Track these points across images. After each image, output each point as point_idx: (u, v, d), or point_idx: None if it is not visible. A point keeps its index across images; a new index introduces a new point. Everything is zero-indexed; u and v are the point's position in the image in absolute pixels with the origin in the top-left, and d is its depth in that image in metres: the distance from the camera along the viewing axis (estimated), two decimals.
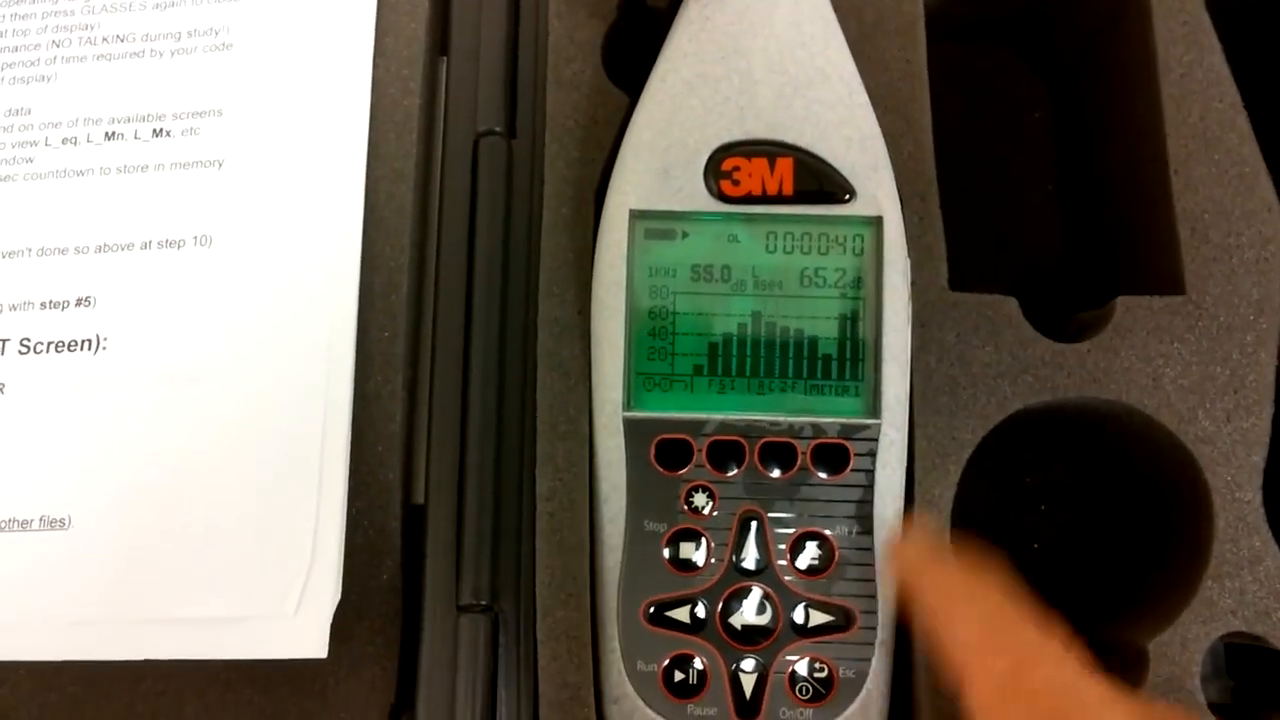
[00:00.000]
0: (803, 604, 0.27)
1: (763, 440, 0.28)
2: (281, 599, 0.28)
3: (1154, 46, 0.31)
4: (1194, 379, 0.29)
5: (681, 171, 0.28)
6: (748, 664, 0.27)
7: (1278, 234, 0.30)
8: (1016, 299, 0.30)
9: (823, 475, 0.27)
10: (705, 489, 0.28)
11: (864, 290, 0.28)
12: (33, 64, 0.33)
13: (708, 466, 0.28)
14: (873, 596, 0.27)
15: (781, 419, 0.28)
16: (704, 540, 0.27)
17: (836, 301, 0.28)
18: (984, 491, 0.33)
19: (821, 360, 0.28)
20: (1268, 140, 0.30)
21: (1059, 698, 0.19)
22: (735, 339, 0.28)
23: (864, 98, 0.29)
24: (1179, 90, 0.31)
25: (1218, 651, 0.31)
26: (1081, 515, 0.35)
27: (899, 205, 0.28)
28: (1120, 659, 0.29)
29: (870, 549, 0.27)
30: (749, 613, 0.27)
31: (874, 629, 0.27)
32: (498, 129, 0.32)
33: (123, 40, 0.33)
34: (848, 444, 0.28)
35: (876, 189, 0.28)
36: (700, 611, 0.27)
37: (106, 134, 0.32)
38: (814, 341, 0.28)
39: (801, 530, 0.27)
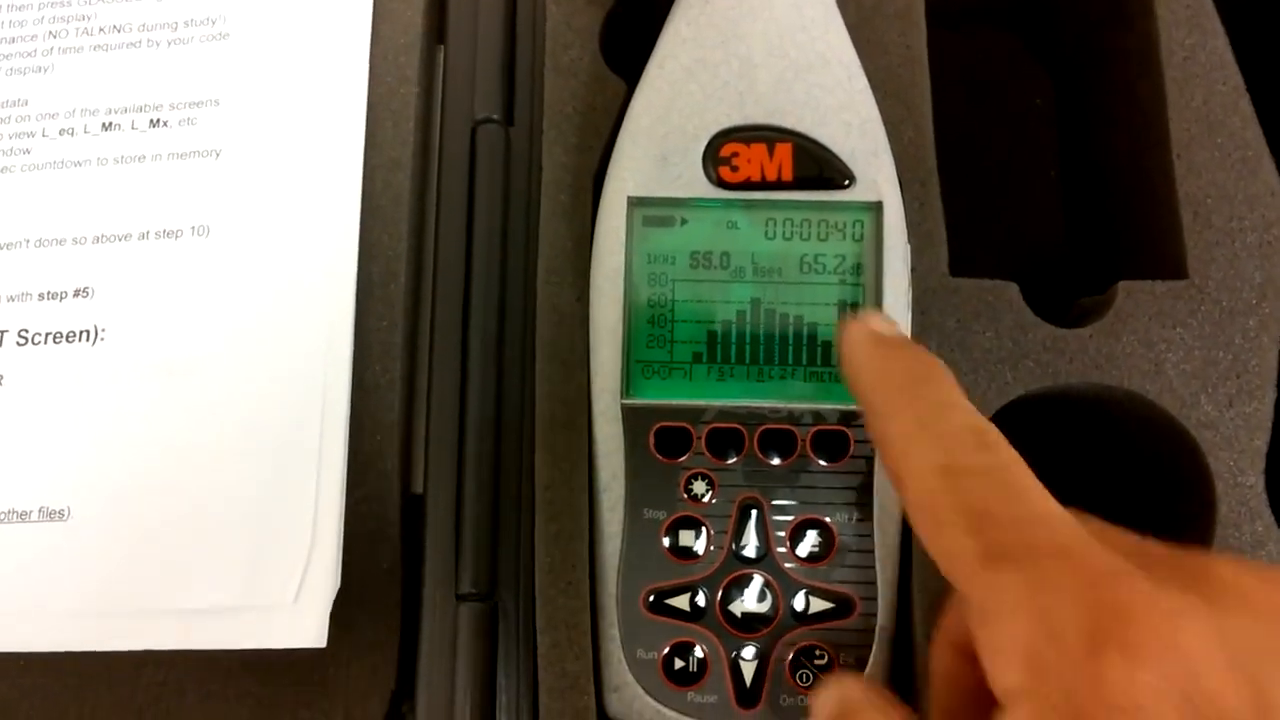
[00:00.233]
0: (803, 591, 0.27)
1: (762, 427, 0.27)
2: (281, 588, 0.28)
3: (1156, 30, 0.31)
4: (1196, 364, 0.29)
5: (680, 158, 0.28)
6: (748, 651, 0.27)
7: None
8: (1017, 284, 0.30)
9: (823, 462, 0.27)
10: (705, 476, 0.27)
11: (864, 276, 0.28)
12: (30, 55, 0.33)
13: (707, 454, 0.27)
14: (873, 583, 0.27)
15: (781, 406, 0.28)
16: (704, 528, 0.27)
17: (836, 288, 0.28)
18: None
19: (821, 347, 0.28)
20: (1271, 124, 0.30)
21: (991, 493, 0.19)
22: (734, 326, 0.28)
23: (864, 83, 0.28)
24: (1181, 74, 0.30)
25: None
26: (1083, 501, 0.35)
27: (899, 191, 0.28)
28: None
29: (870, 536, 0.27)
30: (749, 600, 0.27)
31: (874, 615, 0.27)
32: (495, 116, 0.31)
33: (119, 30, 0.33)
34: (848, 431, 0.27)
35: (876, 174, 0.28)
36: (700, 599, 0.27)
37: (104, 125, 0.32)
38: (814, 328, 0.28)
39: (801, 517, 0.27)
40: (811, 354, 0.28)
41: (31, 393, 0.30)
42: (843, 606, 0.27)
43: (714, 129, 0.28)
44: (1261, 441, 0.28)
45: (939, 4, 0.31)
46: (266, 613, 0.28)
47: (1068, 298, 0.31)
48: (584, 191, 0.30)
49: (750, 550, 0.27)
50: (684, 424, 0.28)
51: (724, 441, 0.28)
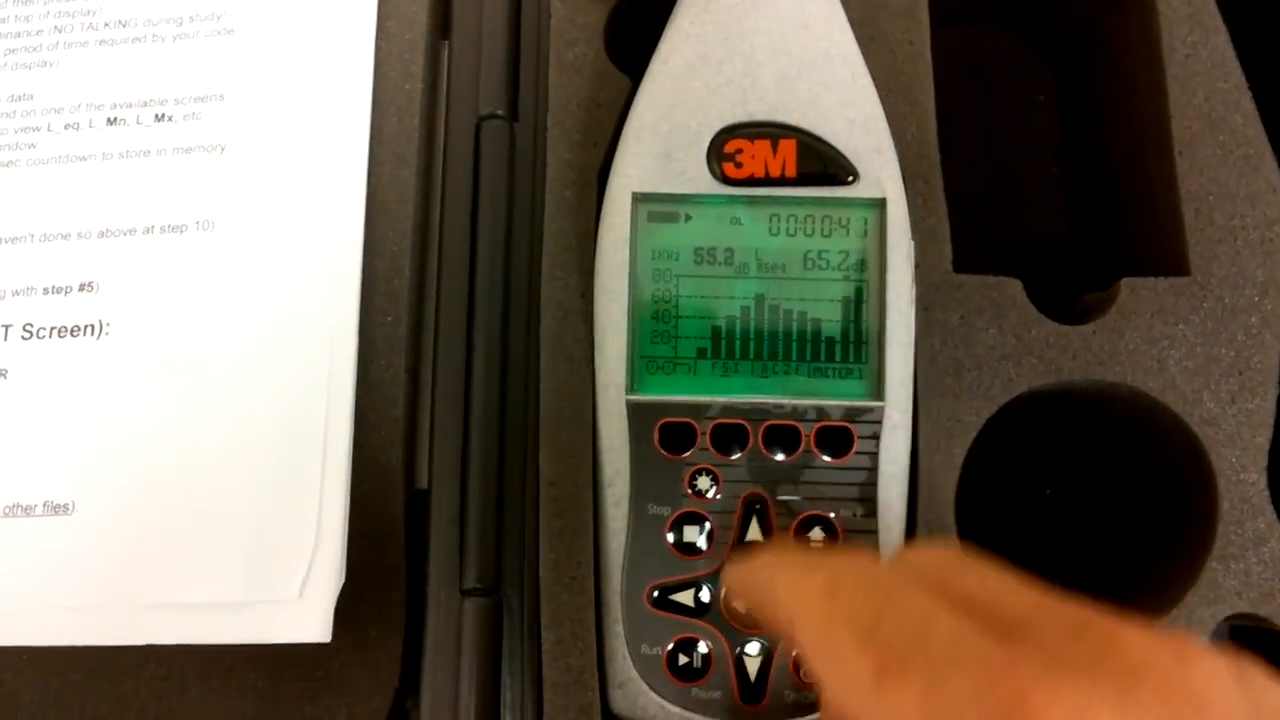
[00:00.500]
0: None
1: (766, 423, 0.28)
2: (285, 583, 0.28)
3: (1158, 28, 0.31)
4: (1199, 360, 0.29)
5: (684, 154, 0.28)
6: (752, 647, 0.27)
7: None
8: (1021, 281, 0.30)
9: (826, 458, 0.27)
10: (709, 472, 0.27)
11: (867, 272, 0.28)
12: (35, 49, 0.33)
13: (711, 450, 0.28)
14: None
15: (785, 402, 0.28)
16: (708, 523, 0.27)
17: (840, 284, 0.28)
18: (989, 475, 0.33)
19: (825, 343, 0.28)
20: (1272, 121, 0.30)
21: (877, 604, 0.18)
22: (738, 322, 0.28)
23: (867, 80, 0.29)
24: (1183, 72, 0.30)
25: (1223, 635, 0.31)
26: (1086, 498, 0.35)
27: (902, 187, 0.28)
28: None
29: (874, 532, 0.27)
30: None
31: None
32: (500, 112, 0.31)
33: (124, 25, 0.33)
34: (851, 427, 0.27)
35: (880, 171, 0.28)
36: (704, 595, 0.27)
37: (109, 119, 0.32)
38: (817, 324, 0.28)
39: (805, 513, 0.27)
40: (815, 350, 0.28)
41: (36, 387, 0.30)
42: None
43: (718, 125, 0.28)
44: (1263, 438, 0.28)
45: (942, 1, 0.31)
46: (271, 608, 0.28)
47: (1071, 294, 0.31)
48: (588, 187, 0.30)
49: (754, 546, 0.27)
50: (688, 420, 0.28)
51: (728, 437, 0.28)
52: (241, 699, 0.28)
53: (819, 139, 0.28)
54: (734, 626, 0.27)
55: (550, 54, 0.31)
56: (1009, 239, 0.36)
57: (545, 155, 0.30)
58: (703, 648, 0.27)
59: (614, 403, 0.28)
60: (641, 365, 0.28)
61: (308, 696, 0.28)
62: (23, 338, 0.30)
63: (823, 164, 0.28)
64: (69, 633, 0.28)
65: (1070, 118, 0.37)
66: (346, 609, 0.28)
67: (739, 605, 0.23)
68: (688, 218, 0.28)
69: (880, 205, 0.28)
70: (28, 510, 0.29)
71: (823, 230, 0.28)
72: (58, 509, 0.29)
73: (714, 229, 0.28)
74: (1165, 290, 0.29)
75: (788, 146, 0.28)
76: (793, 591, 0.20)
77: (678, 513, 0.27)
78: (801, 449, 0.27)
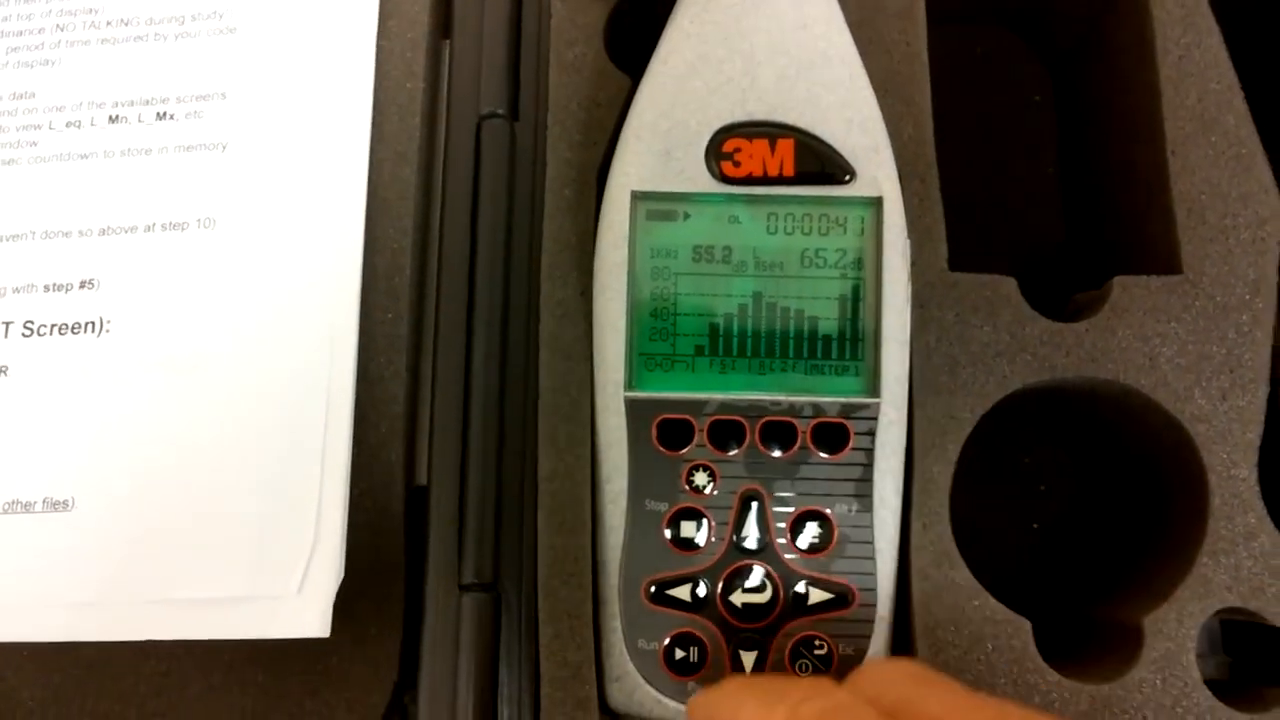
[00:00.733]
0: (803, 582, 0.27)
1: (763, 420, 0.28)
2: (284, 579, 0.28)
3: (1152, 29, 0.31)
4: (1190, 358, 0.29)
5: (683, 153, 0.28)
6: (749, 642, 0.27)
7: (1274, 215, 0.30)
8: (1015, 279, 0.30)
9: (823, 454, 0.28)
10: (706, 468, 0.28)
11: (864, 271, 0.28)
12: (37, 48, 0.33)
13: (709, 446, 0.28)
14: (872, 574, 0.27)
15: (782, 398, 0.28)
16: (705, 519, 0.28)
17: (837, 282, 0.28)
18: (983, 472, 0.33)
19: (822, 340, 0.28)
20: (1265, 122, 0.30)
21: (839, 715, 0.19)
22: (736, 319, 0.28)
23: (864, 80, 0.29)
24: (1176, 72, 0.31)
25: (1214, 629, 0.31)
26: (1079, 494, 0.35)
27: (899, 186, 0.28)
28: (1116, 636, 0.29)
29: (869, 527, 0.28)
30: (750, 590, 0.27)
31: (873, 606, 0.27)
32: (500, 111, 0.32)
33: (126, 24, 0.33)
34: (848, 423, 0.28)
35: (877, 170, 0.28)
36: (701, 590, 0.27)
37: (110, 117, 0.32)
38: (814, 322, 0.28)
39: (802, 509, 0.28)
40: (812, 347, 0.28)
41: (37, 384, 0.30)
42: (842, 597, 0.27)
43: (717, 125, 0.28)
44: (1254, 435, 0.29)
45: (939, 2, 0.32)
46: (270, 603, 0.28)
47: (1064, 293, 0.32)
48: (588, 186, 0.30)
49: (751, 541, 0.27)
50: (686, 416, 0.28)
51: (725, 433, 0.28)
52: (241, 694, 0.28)
53: (817, 138, 0.28)
54: (731, 621, 0.27)
55: (550, 53, 0.31)
56: (1004, 238, 0.36)
57: (545, 154, 0.31)
58: (700, 642, 0.27)
59: (612, 399, 0.28)
60: (640, 362, 0.28)
61: (307, 691, 0.28)
62: (23, 335, 0.30)
63: (820, 163, 0.28)
64: (69, 629, 0.28)
65: (1066, 118, 0.37)
66: (346, 604, 0.28)
67: None
68: (686, 216, 0.29)
69: (877, 204, 0.28)
70: (27, 507, 0.29)
71: (820, 229, 0.28)
72: (58, 506, 0.29)
73: (712, 227, 0.29)
74: (1157, 288, 0.30)
75: (786, 146, 0.28)
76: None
77: (675, 508, 0.28)
78: (798, 445, 0.28)
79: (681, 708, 0.27)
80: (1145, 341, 0.29)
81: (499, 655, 0.28)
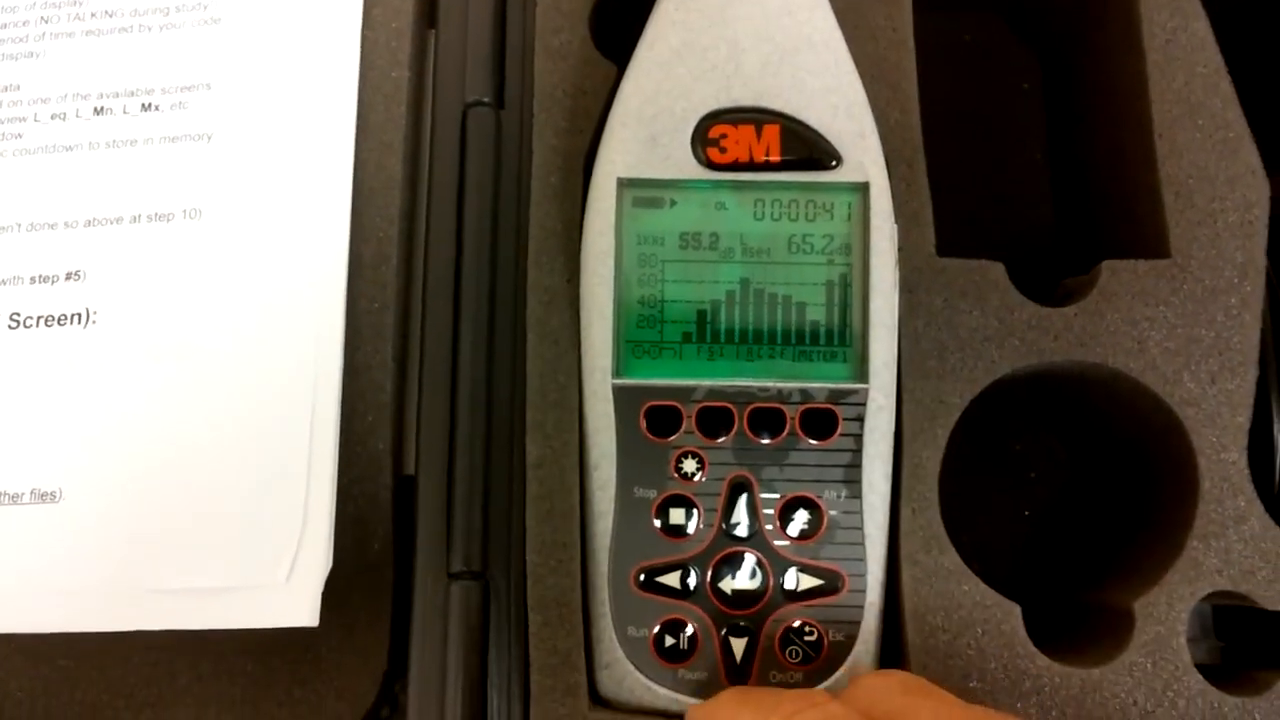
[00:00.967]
0: (792, 568, 0.27)
1: (751, 406, 0.28)
2: (272, 568, 0.28)
3: (1139, 13, 0.31)
4: (1179, 342, 0.29)
5: (669, 139, 0.28)
6: (738, 628, 0.27)
7: (1261, 198, 0.30)
8: (1004, 264, 0.30)
9: (811, 440, 0.28)
10: (695, 455, 0.28)
11: (851, 256, 0.28)
12: (21, 40, 0.33)
13: (697, 433, 0.28)
14: (862, 560, 0.27)
15: (770, 385, 0.28)
16: (694, 506, 0.27)
17: (824, 268, 0.28)
18: (973, 458, 0.33)
19: (809, 326, 0.28)
20: (1251, 105, 0.30)
21: None
22: (724, 306, 0.28)
23: (850, 65, 0.29)
24: (1163, 56, 0.31)
25: (1205, 614, 0.31)
26: (1069, 479, 0.35)
27: (885, 171, 0.28)
28: (1107, 621, 0.29)
29: (858, 513, 0.27)
30: (739, 577, 0.27)
31: (863, 592, 0.27)
32: (486, 99, 0.32)
33: (111, 16, 0.33)
34: (836, 409, 0.28)
35: (863, 155, 0.28)
36: (690, 577, 0.27)
37: (95, 109, 0.32)
38: (802, 308, 0.28)
39: (791, 495, 0.28)
40: (800, 334, 0.28)
41: (23, 376, 0.30)
42: (832, 583, 0.27)
43: (702, 111, 0.28)
44: (1243, 418, 0.29)
45: None
46: (258, 593, 0.28)
47: (1053, 277, 0.32)
48: (574, 174, 0.30)
49: (740, 528, 0.27)
50: (674, 403, 0.28)
51: (714, 420, 0.28)
52: (230, 684, 0.28)
53: (802, 124, 0.28)
54: (720, 608, 0.27)
55: (536, 41, 0.31)
56: (992, 223, 0.36)
57: (531, 142, 0.30)
58: (689, 629, 0.27)
59: (600, 386, 0.28)
60: (627, 349, 0.28)
61: (296, 681, 0.28)
62: (9, 327, 0.30)
63: (806, 149, 0.28)
64: (57, 620, 0.28)
65: (1054, 103, 0.37)
66: (334, 594, 0.28)
67: None
68: (673, 203, 0.29)
69: (863, 189, 0.28)
70: (15, 498, 0.29)
71: (806, 214, 0.28)
72: (45, 497, 0.29)
73: (699, 214, 0.28)
74: (1146, 272, 0.30)
75: (771, 131, 0.28)
76: None
77: (664, 495, 0.28)
78: (786, 431, 0.28)
79: (671, 694, 0.27)
80: (1134, 326, 0.29)
81: (488, 643, 0.28)
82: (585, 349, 0.28)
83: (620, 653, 0.27)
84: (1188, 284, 0.29)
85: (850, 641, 0.27)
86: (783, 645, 0.27)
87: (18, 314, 0.30)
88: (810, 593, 0.27)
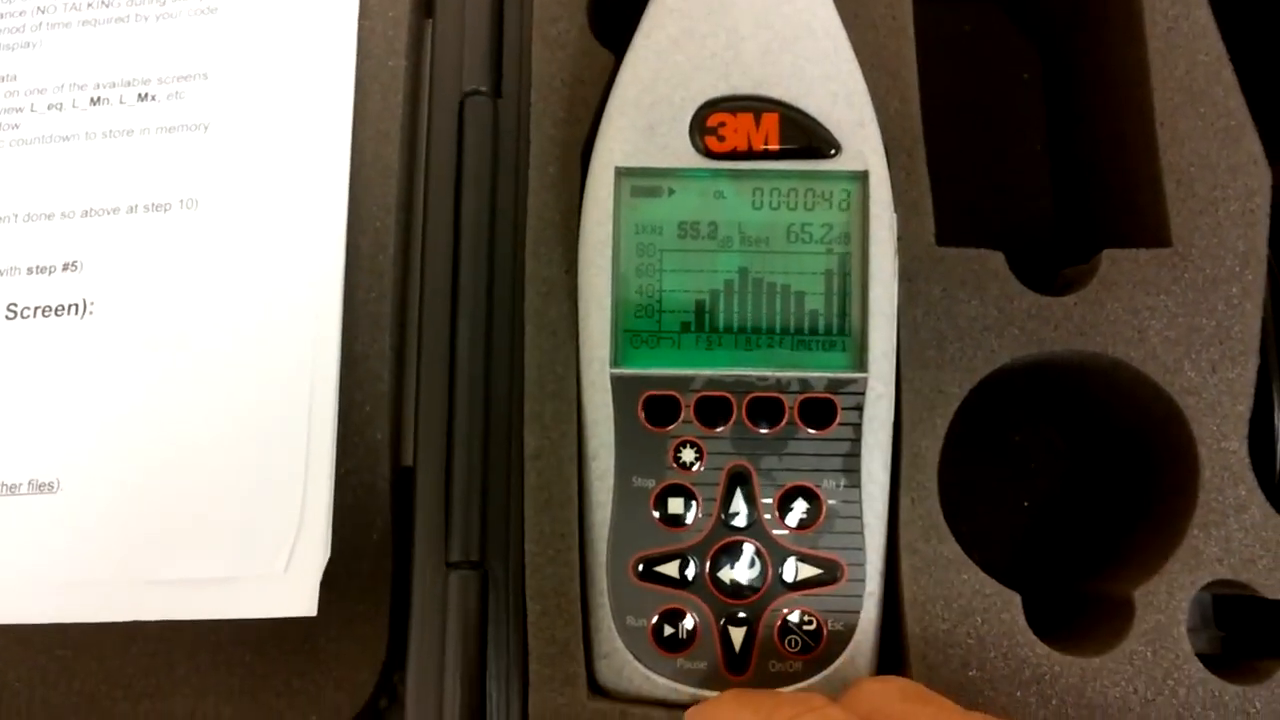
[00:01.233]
0: (791, 558, 0.27)
1: (750, 396, 0.28)
2: (271, 558, 0.28)
3: (1140, 1, 0.31)
4: (1180, 330, 0.29)
5: (667, 128, 0.28)
6: (737, 618, 0.27)
7: (1263, 186, 0.30)
8: (1003, 253, 0.30)
9: (810, 430, 0.28)
10: (693, 445, 0.28)
11: (850, 245, 0.28)
12: (18, 30, 0.33)
13: (696, 423, 0.28)
14: (860, 549, 0.27)
15: (769, 374, 0.28)
16: (693, 496, 0.27)
17: (823, 257, 0.28)
18: (973, 448, 0.33)
19: (808, 315, 0.28)
20: (1253, 93, 0.30)
21: None
22: (722, 295, 0.28)
23: (849, 53, 0.29)
24: (1165, 44, 0.31)
25: (1206, 603, 0.31)
26: (1069, 469, 0.35)
27: (885, 160, 0.28)
28: (1107, 610, 0.29)
29: (858, 502, 0.27)
30: (738, 567, 0.27)
31: (862, 581, 0.27)
32: (483, 89, 0.31)
33: (107, 5, 0.33)
34: (835, 398, 0.28)
35: (862, 144, 0.28)
36: (689, 566, 0.27)
37: (92, 99, 0.32)
38: (801, 297, 0.28)
39: (790, 485, 0.27)
40: (799, 323, 0.28)
41: (21, 366, 0.30)
42: (831, 573, 0.27)
43: (701, 99, 0.28)
44: (1244, 407, 0.28)
45: None
46: (257, 583, 0.28)
47: (1053, 267, 0.32)
48: (572, 163, 0.30)
49: (739, 518, 0.27)
50: (672, 393, 0.28)
51: (712, 410, 0.28)
52: (229, 674, 0.28)
53: (801, 112, 0.28)
54: (719, 598, 0.27)
55: (534, 30, 0.31)
56: (992, 213, 0.36)
57: (529, 131, 0.30)
58: (688, 619, 0.27)
59: (598, 376, 0.28)
60: (626, 339, 0.28)
61: (295, 672, 0.28)
62: (7, 318, 0.30)
63: (805, 137, 0.28)
64: (55, 611, 0.28)
65: (1054, 93, 0.37)
66: (333, 584, 0.28)
67: None
68: (671, 192, 0.28)
69: (862, 178, 0.28)
70: (13, 489, 0.29)
71: (805, 203, 0.28)
72: (43, 487, 0.29)
73: (697, 203, 0.28)
74: (1146, 261, 0.29)
75: (770, 120, 0.28)
76: None
77: (662, 485, 0.27)
78: (785, 421, 0.28)
79: (670, 684, 0.27)
80: (1134, 315, 0.29)
81: (487, 633, 0.28)
82: (583, 339, 0.28)
83: (619, 642, 0.27)
84: (1189, 273, 0.29)
85: (849, 631, 0.27)
86: (782, 635, 0.27)
87: (15, 305, 0.30)
88: (809, 582, 0.27)
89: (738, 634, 0.27)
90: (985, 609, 0.27)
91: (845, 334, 0.28)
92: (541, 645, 0.27)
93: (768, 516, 0.27)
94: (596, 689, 0.28)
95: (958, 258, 0.30)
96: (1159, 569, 0.28)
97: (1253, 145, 0.30)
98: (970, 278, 0.29)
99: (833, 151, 0.28)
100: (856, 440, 0.27)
